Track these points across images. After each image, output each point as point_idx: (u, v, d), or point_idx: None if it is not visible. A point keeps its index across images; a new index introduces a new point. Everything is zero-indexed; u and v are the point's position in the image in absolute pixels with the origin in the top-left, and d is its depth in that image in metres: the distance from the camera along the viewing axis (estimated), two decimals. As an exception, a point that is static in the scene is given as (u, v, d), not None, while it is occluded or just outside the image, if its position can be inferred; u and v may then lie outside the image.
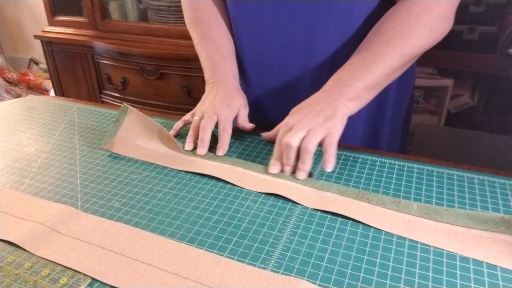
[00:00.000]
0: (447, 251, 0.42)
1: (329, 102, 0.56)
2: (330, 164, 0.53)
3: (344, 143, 0.64)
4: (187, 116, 0.68)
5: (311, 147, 0.52)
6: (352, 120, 0.70)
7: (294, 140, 0.53)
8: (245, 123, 0.66)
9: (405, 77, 0.72)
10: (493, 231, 0.44)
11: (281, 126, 0.58)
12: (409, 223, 0.46)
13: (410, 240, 0.44)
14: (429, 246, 0.43)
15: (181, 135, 0.68)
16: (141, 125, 0.63)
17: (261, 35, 0.67)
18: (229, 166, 0.57)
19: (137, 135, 0.63)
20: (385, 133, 0.75)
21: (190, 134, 0.63)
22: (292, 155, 0.54)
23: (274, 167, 0.55)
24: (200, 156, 0.60)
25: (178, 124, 0.67)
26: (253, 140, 0.66)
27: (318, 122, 0.54)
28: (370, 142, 0.75)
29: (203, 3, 0.73)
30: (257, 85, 0.74)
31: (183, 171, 0.57)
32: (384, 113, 0.73)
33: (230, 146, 0.63)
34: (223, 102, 0.65)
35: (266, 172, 0.55)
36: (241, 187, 0.53)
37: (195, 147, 0.62)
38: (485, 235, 0.44)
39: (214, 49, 0.71)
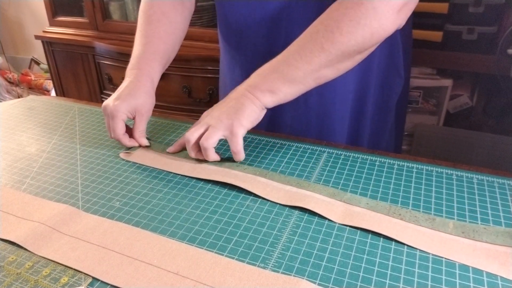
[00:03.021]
0: (487, 272, 0.40)
1: (242, 95, 0.57)
2: (237, 156, 0.56)
3: (325, 140, 0.66)
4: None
5: (207, 144, 0.55)
6: (331, 117, 0.72)
7: (192, 136, 0.57)
8: (140, 138, 0.64)
9: (388, 77, 0.74)
10: None
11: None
12: (445, 242, 0.43)
13: (409, 239, 0.44)
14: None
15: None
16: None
17: (246, 31, 0.71)
18: (250, 175, 0.55)
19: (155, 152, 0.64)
20: (366, 131, 0.76)
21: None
22: (190, 148, 0.58)
23: (171, 148, 0.62)
24: (217, 164, 0.59)
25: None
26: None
27: (222, 117, 0.56)
28: (350, 139, 0.76)
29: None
30: (243, 70, 0.76)
31: (200, 179, 0.56)
32: (364, 111, 0.74)
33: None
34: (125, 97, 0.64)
35: (289, 183, 0.54)
36: (264, 198, 0.51)
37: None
38: None
39: (149, 45, 0.69)
